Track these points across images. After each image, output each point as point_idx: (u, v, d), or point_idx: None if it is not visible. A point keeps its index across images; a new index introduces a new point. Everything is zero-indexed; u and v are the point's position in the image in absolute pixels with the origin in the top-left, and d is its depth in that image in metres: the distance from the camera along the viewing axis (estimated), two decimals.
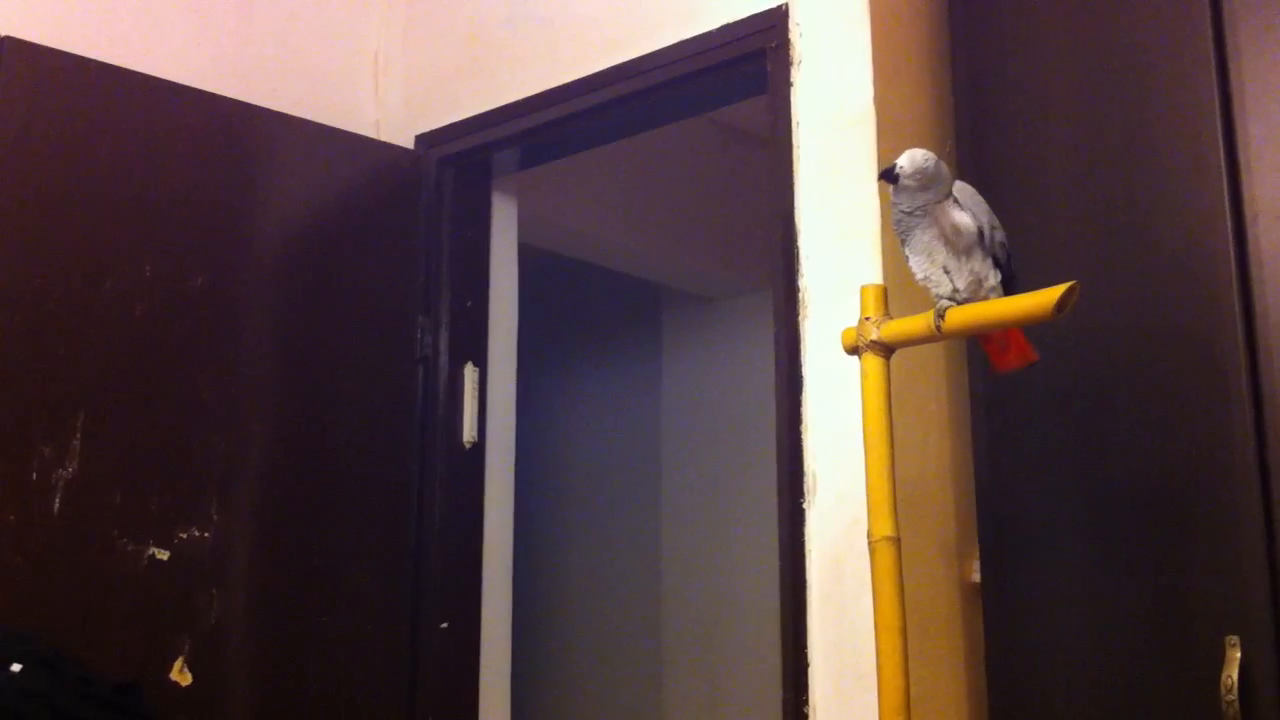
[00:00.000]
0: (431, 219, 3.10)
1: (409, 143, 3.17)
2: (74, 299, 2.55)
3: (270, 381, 2.83)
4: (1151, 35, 2.15)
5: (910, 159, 1.86)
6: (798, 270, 2.40)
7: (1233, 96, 2.03)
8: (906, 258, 1.92)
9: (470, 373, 3.07)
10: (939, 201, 1.88)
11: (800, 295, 2.39)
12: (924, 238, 1.90)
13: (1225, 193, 2.01)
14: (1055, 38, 2.28)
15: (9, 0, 2.69)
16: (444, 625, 2.93)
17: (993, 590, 2.21)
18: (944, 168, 1.90)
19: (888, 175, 1.89)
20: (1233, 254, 1.99)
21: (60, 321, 2.53)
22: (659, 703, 4.60)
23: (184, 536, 2.60)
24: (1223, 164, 2.02)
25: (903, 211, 1.90)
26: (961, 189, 1.91)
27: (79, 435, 2.49)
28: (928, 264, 1.91)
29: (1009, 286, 1.92)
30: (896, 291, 2.00)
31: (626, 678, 4.71)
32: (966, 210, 1.89)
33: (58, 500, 2.45)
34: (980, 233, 1.89)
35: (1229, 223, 2.00)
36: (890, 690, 1.80)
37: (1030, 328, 1.92)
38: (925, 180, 1.87)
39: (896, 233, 1.93)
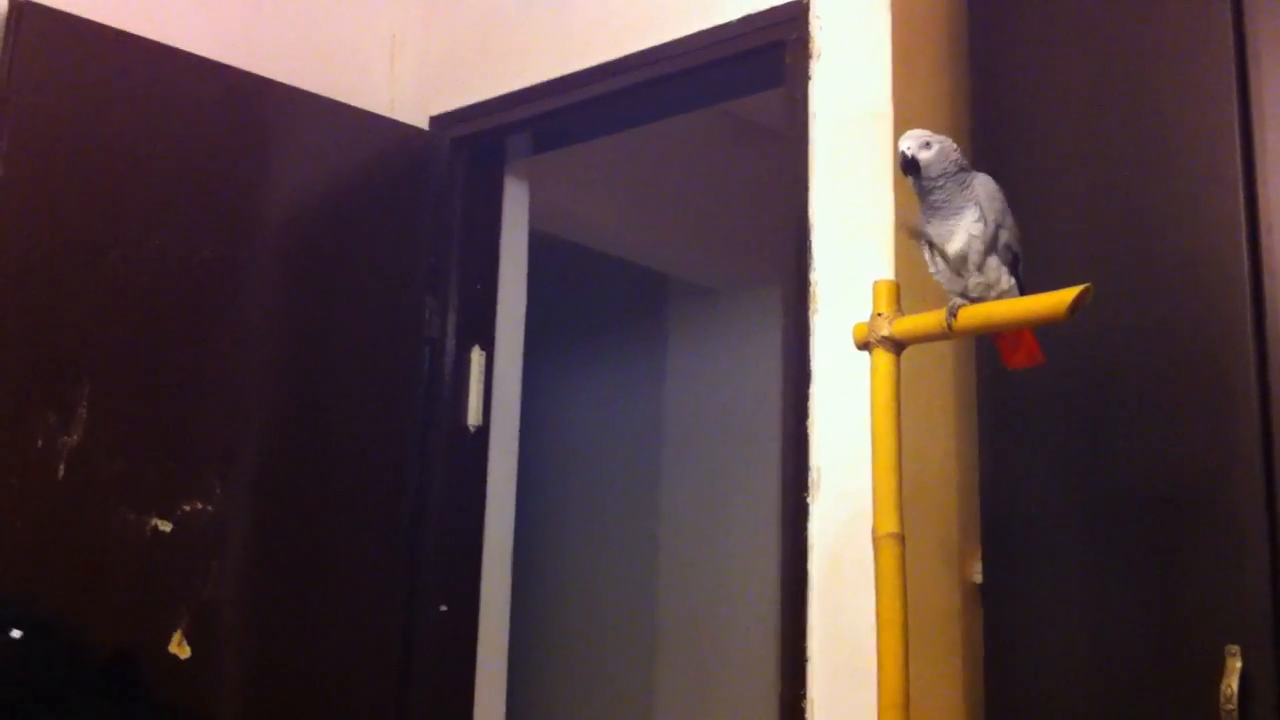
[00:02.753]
0: (443, 200, 3.09)
1: (423, 123, 3.15)
2: (81, 267, 2.55)
3: (275, 356, 2.82)
4: (1172, 40, 2.14)
5: (936, 150, 1.87)
6: (809, 264, 2.40)
7: (1252, 103, 2.02)
8: (922, 248, 1.92)
9: (477, 356, 3.06)
10: (962, 188, 1.88)
11: (811, 289, 2.38)
12: (938, 230, 1.90)
13: (1241, 201, 2.01)
14: (1074, 39, 2.28)
15: None
16: (443, 608, 2.92)
17: (993, 591, 2.21)
18: (957, 152, 1.90)
19: (910, 167, 1.89)
20: (1246, 263, 1.99)
21: (67, 289, 2.53)
22: (653, 692, 4.60)
23: (186, 509, 2.59)
24: (1239, 172, 2.01)
25: (925, 201, 1.90)
26: (984, 184, 1.90)
27: (84, 404, 2.49)
28: (940, 259, 1.91)
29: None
30: (907, 288, 2.00)
31: (621, 666, 4.71)
32: (980, 216, 1.88)
33: (62, 467, 2.45)
34: (991, 237, 1.88)
35: (1243, 231, 2.00)
36: (889, 687, 1.80)
37: (1037, 330, 1.92)
38: (947, 167, 1.87)
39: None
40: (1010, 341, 1.95)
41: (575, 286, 4.91)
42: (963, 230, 1.87)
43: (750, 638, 4.15)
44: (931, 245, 1.91)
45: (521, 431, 3.23)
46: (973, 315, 1.87)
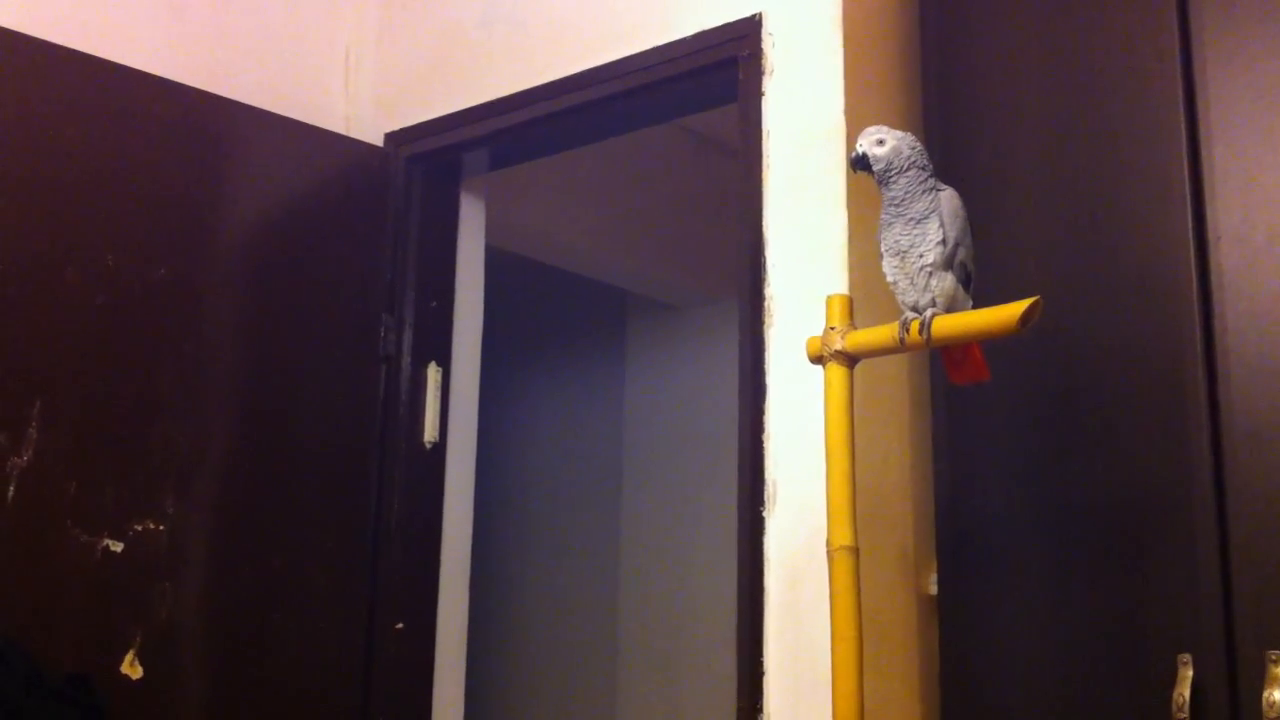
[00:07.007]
0: (399, 217, 3.08)
1: (379, 140, 3.15)
2: (35, 286, 2.52)
3: (231, 375, 2.80)
4: (1122, 57, 2.16)
5: (890, 147, 1.89)
6: (764, 279, 2.40)
7: (1199, 120, 2.05)
8: (881, 255, 1.93)
9: (433, 373, 3.05)
10: (925, 193, 1.89)
11: (766, 304, 2.39)
12: (898, 239, 1.90)
13: (1189, 215, 2.03)
14: (1027, 57, 2.30)
15: None
16: (399, 626, 2.91)
17: (949, 603, 2.22)
18: (917, 152, 1.91)
19: (860, 164, 1.91)
20: (1194, 275, 2.01)
21: (20, 308, 2.50)
22: (614, 708, 4.60)
23: (139, 529, 2.57)
24: (1187, 186, 2.04)
25: (884, 198, 1.92)
26: (949, 199, 1.91)
27: (35, 424, 2.46)
28: (898, 269, 1.91)
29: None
30: (862, 302, 2.01)
31: (582, 682, 4.71)
32: (940, 230, 1.89)
33: (12, 488, 2.41)
34: (949, 254, 1.89)
35: (1191, 244, 2.02)
36: (844, 700, 1.81)
37: (992, 344, 1.93)
38: (896, 161, 1.88)
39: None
40: (956, 357, 1.96)
41: (536, 303, 4.92)
42: (930, 241, 1.88)
43: (712, 651, 4.15)
44: (897, 245, 1.92)
45: (482, 447, 3.22)
46: None
